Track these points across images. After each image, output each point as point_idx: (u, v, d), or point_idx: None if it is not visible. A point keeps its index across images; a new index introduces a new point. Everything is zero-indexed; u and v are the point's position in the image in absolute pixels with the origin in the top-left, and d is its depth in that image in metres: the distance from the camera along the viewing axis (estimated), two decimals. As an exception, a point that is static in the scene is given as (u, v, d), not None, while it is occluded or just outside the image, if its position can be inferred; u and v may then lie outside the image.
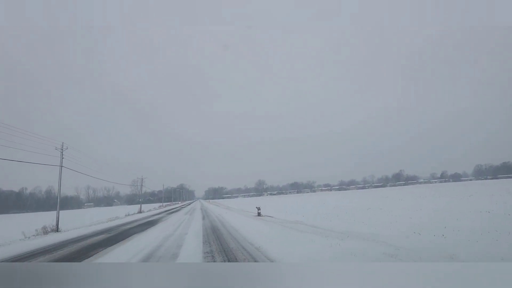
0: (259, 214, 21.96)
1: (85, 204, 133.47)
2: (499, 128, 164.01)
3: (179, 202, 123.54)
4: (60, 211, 21.82)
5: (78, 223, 25.47)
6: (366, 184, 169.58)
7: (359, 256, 6.65)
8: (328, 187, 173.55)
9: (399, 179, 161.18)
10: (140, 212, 44.36)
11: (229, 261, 7.20)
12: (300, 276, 3.53)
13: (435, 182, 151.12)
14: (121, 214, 36.81)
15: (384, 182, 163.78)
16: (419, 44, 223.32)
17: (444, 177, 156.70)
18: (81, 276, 3.75)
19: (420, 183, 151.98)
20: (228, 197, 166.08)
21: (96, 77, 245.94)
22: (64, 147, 22.23)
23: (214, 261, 7.30)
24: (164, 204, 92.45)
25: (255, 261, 7.01)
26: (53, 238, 15.73)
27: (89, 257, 9.15)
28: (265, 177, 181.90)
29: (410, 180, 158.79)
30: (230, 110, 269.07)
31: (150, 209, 55.37)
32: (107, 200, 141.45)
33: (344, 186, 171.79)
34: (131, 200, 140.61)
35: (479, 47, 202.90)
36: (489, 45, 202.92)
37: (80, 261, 8.51)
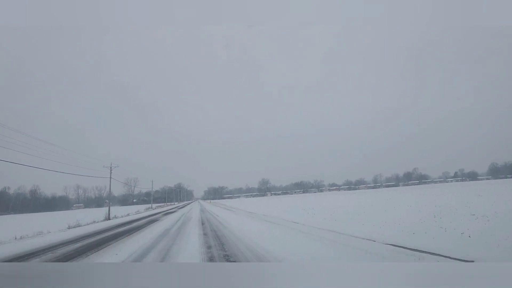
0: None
1: (74, 205, 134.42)
2: (508, 126, 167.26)
3: (175, 203, 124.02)
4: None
5: None
6: (376, 184, 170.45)
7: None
8: (336, 187, 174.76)
9: (410, 178, 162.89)
10: (106, 219, 32.82)
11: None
12: (300, 276, 3.81)
13: (451, 181, 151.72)
14: (65, 225, 24.34)
15: (396, 181, 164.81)
16: (422, 41, 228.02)
17: (457, 176, 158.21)
18: (81, 276, 4.05)
19: (436, 182, 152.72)
20: (229, 197, 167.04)
21: (97, 74, 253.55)
22: None
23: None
24: (154, 206, 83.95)
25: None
26: None
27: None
28: (267, 176, 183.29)
29: (420, 179, 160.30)
30: (231, 108, 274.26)
31: (129, 213, 44.87)
32: (98, 201, 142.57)
33: (351, 185, 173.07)
34: (124, 200, 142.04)
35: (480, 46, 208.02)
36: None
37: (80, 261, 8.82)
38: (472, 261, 6.00)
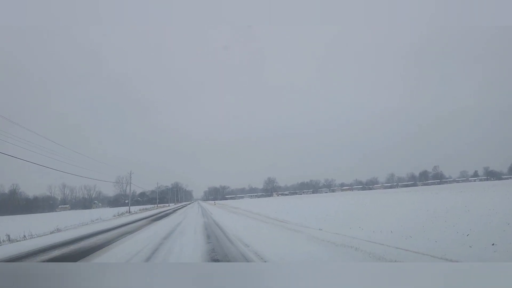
0: None
1: (59, 206, 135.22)
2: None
3: (171, 205, 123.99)
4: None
5: None
6: (393, 184, 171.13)
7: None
8: (347, 187, 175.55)
9: (427, 177, 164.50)
10: None
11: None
12: (299, 276, 4.19)
13: (474, 180, 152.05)
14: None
15: (413, 180, 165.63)
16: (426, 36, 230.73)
17: (476, 175, 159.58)
18: (81, 276, 4.45)
19: (458, 181, 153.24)
20: (231, 198, 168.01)
21: (96, 72, 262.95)
22: None
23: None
24: (139, 208, 72.13)
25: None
26: None
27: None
28: (272, 175, 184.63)
29: (440, 178, 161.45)
30: (232, 107, 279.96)
31: (58, 228, 21.66)
32: (85, 202, 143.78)
33: (364, 185, 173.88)
34: (115, 201, 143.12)
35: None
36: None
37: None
38: (471, 262, 6.33)
